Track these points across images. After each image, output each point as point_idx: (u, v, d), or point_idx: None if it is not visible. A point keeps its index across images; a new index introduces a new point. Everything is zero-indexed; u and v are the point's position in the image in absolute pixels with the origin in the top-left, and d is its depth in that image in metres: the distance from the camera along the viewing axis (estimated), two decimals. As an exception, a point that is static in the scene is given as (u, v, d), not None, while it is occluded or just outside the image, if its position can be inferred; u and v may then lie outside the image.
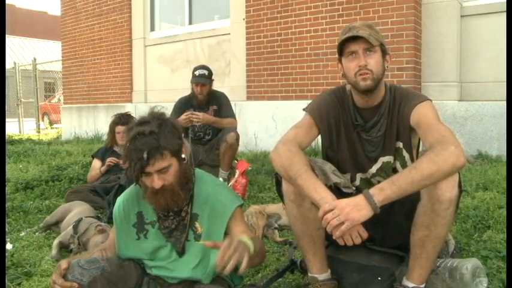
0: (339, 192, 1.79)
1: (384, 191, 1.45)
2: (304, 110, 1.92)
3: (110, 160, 3.74)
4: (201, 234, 1.69)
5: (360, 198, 1.46)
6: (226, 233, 1.70)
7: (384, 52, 1.77)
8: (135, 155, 1.54)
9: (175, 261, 1.70)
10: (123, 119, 3.86)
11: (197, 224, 1.70)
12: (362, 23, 1.78)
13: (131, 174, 1.60)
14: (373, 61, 1.72)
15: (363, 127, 1.84)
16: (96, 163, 3.88)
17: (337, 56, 1.83)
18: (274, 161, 1.70)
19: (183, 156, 1.68)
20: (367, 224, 1.90)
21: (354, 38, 1.70)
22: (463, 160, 1.47)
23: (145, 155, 1.53)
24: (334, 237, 1.49)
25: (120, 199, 1.82)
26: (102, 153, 3.91)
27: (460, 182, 1.56)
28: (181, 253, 1.70)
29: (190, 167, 1.75)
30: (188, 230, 1.70)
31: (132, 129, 1.61)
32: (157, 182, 1.58)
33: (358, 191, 1.88)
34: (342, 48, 1.75)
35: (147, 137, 1.56)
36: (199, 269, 1.68)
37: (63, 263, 1.57)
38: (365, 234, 1.49)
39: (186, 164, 1.72)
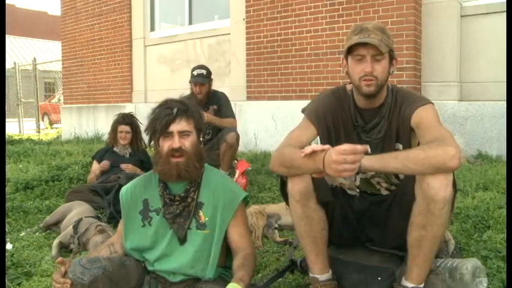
0: (343, 193, 1.79)
1: (370, 158, 1.50)
2: (302, 112, 1.91)
3: (103, 165, 3.74)
4: (204, 223, 1.72)
5: None
6: (226, 230, 1.72)
7: (392, 57, 1.77)
8: (164, 112, 1.69)
9: (176, 249, 1.72)
10: (126, 118, 3.88)
11: (201, 213, 1.73)
12: (375, 25, 1.75)
13: (154, 133, 1.70)
14: (380, 68, 1.71)
15: (363, 128, 1.83)
16: (95, 165, 3.90)
17: (343, 54, 1.80)
18: (273, 164, 1.70)
19: (200, 139, 1.77)
20: (366, 225, 1.91)
21: (364, 43, 1.68)
22: (456, 162, 1.46)
23: (174, 111, 1.67)
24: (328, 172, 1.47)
25: (126, 187, 1.85)
26: (101, 155, 3.90)
27: (454, 182, 1.56)
28: (183, 240, 1.72)
29: (203, 150, 1.80)
30: (192, 218, 1.72)
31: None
32: (177, 142, 1.67)
33: (360, 193, 1.89)
34: (351, 47, 1.73)
35: (177, 102, 1.74)
36: (200, 260, 1.69)
37: (59, 260, 1.59)
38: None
39: (202, 146, 1.79)
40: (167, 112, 1.68)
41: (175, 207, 1.73)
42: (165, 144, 1.69)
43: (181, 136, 1.68)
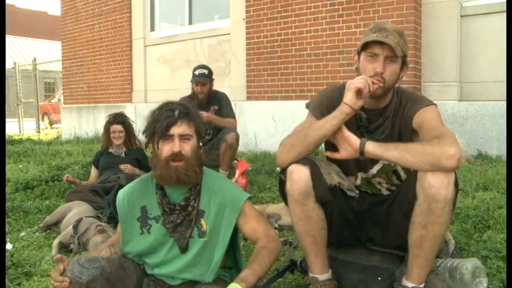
0: (342, 193, 1.79)
1: (374, 143, 1.62)
2: (306, 107, 1.92)
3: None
4: (205, 231, 1.68)
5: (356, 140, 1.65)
6: (236, 229, 1.71)
7: (404, 63, 1.77)
8: (165, 114, 1.63)
9: (177, 257, 1.70)
10: (118, 118, 3.87)
11: (202, 221, 1.69)
12: (395, 27, 1.75)
13: (153, 135, 1.65)
14: (391, 70, 1.72)
15: (366, 128, 1.83)
16: (93, 170, 3.93)
17: (357, 49, 1.80)
18: (283, 150, 1.74)
19: (200, 143, 1.73)
20: (367, 225, 1.90)
21: (381, 42, 1.68)
22: (452, 162, 1.47)
23: (176, 113, 1.62)
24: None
25: (123, 191, 1.79)
26: (97, 159, 3.91)
27: (456, 181, 1.56)
28: (184, 249, 1.68)
29: (203, 155, 1.76)
30: (193, 227, 1.68)
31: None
32: (177, 146, 1.62)
33: (360, 193, 1.88)
34: (366, 44, 1.73)
35: (178, 105, 1.68)
36: (198, 266, 1.68)
37: (57, 257, 1.59)
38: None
39: (201, 151, 1.74)
40: (168, 114, 1.62)
41: (176, 217, 1.68)
42: (165, 148, 1.62)
43: (182, 140, 1.62)
